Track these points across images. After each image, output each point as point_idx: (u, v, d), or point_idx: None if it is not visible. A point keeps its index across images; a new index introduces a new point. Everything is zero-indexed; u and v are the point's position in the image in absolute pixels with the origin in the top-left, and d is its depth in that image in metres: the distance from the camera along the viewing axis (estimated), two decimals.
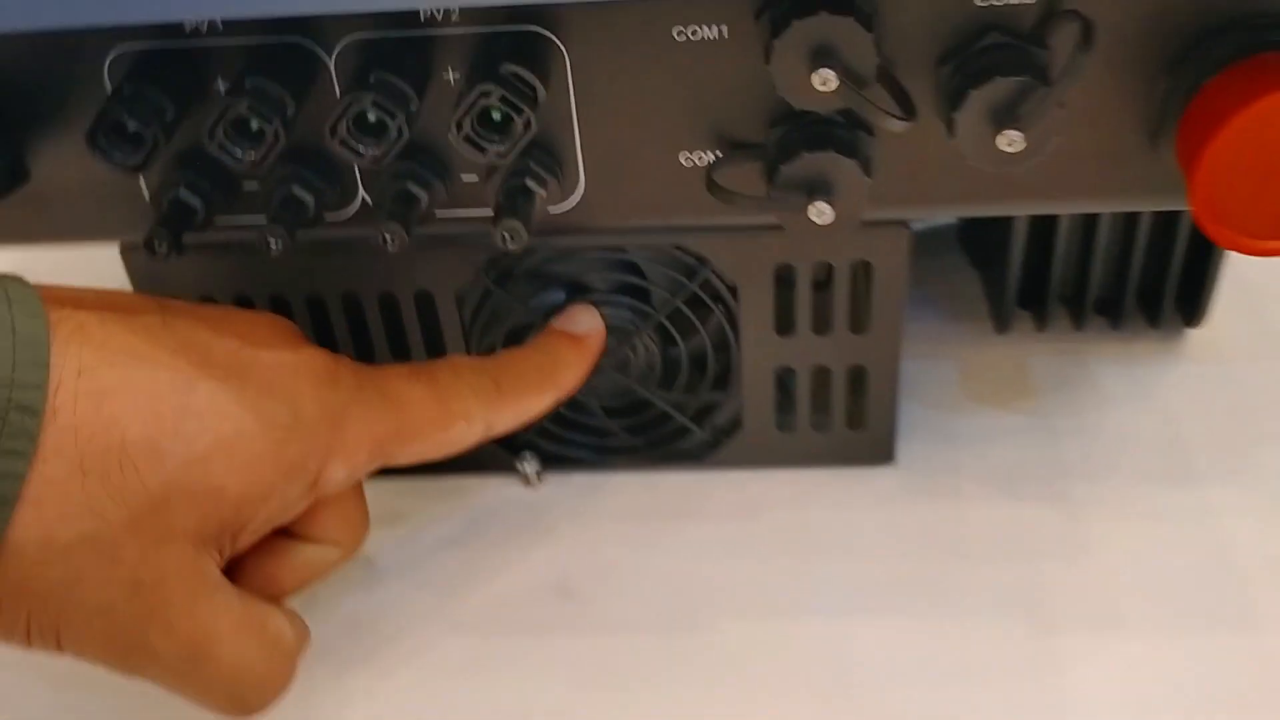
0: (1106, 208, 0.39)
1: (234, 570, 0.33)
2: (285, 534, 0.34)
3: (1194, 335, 0.46)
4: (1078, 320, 0.46)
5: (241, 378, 0.31)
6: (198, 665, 0.31)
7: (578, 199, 0.35)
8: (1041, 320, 0.46)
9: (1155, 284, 0.45)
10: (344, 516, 0.35)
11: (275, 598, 0.34)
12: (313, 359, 0.33)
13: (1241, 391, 0.44)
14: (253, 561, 0.34)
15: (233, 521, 0.31)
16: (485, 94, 0.30)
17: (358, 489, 0.36)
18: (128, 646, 0.30)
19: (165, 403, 0.30)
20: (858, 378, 0.40)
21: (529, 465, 0.42)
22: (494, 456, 0.42)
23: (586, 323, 0.38)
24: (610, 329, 0.39)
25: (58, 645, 0.30)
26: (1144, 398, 0.44)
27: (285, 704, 0.33)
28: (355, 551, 0.36)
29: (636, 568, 0.39)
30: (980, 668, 0.35)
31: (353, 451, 0.33)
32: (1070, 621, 0.36)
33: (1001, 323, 0.46)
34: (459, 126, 0.31)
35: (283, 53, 0.32)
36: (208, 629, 0.31)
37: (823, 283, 0.39)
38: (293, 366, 0.33)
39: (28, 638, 0.30)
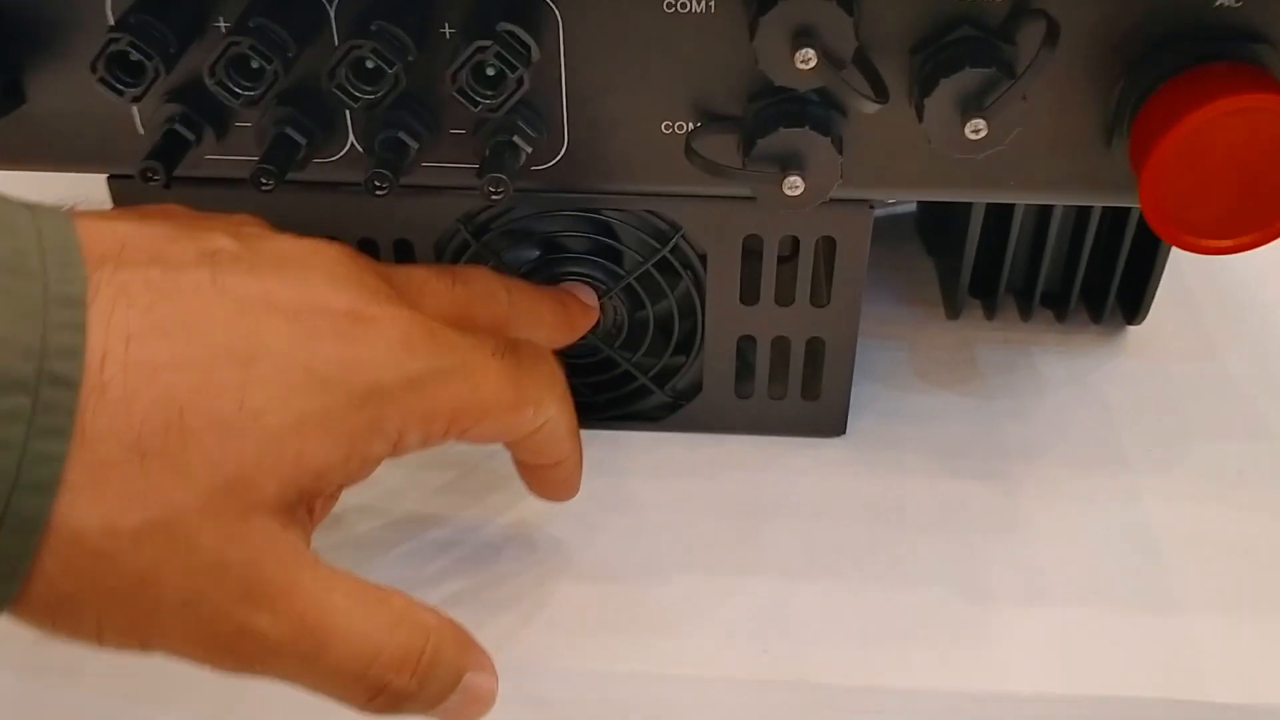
0: (1060, 200, 0.41)
1: None
2: None
3: (1133, 332, 0.48)
4: (1025, 312, 0.48)
5: (309, 339, 0.29)
6: (320, 644, 0.28)
7: (559, 158, 0.36)
8: (991, 310, 0.48)
9: (1100, 282, 0.47)
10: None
11: None
12: (388, 321, 0.31)
13: (1173, 388, 0.46)
14: None
15: (312, 488, 0.29)
16: (482, 49, 0.32)
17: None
18: (232, 637, 0.27)
19: (224, 374, 0.27)
20: (815, 350, 0.42)
21: None
22: None
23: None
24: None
25: (142, 645, 0.28)
26: (1082, 387, 0.46)
27: None
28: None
29: (595, 519, 0.40)
30: (912, 630, 0.37)
31: (429, 419, 0.31)
32: (1000, 592, 0.38)
33: (953, 310, 0.48)
34: (454, 79, 0.32)
35: None
36: (319, 602, 0.28)
37: (787, 257, 0.40)
38: (365, 329, 0.30)
39: (99, 637, 0.27)
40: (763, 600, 0.38)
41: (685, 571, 0.39)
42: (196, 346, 0.27)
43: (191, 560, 0.27)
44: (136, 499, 0.26)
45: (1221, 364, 0.47)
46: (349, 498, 0.35)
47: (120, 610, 0.27)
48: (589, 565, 0.39)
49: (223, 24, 0.34)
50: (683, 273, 0.40)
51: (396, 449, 0.31)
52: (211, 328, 0.28)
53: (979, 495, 0.42)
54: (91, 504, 0.25)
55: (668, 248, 0.40)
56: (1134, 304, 0.47)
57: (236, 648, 0.28)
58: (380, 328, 0.30)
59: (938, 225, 0.51)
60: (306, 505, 0.29)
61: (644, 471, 0.42)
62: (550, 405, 0.34)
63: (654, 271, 0.40)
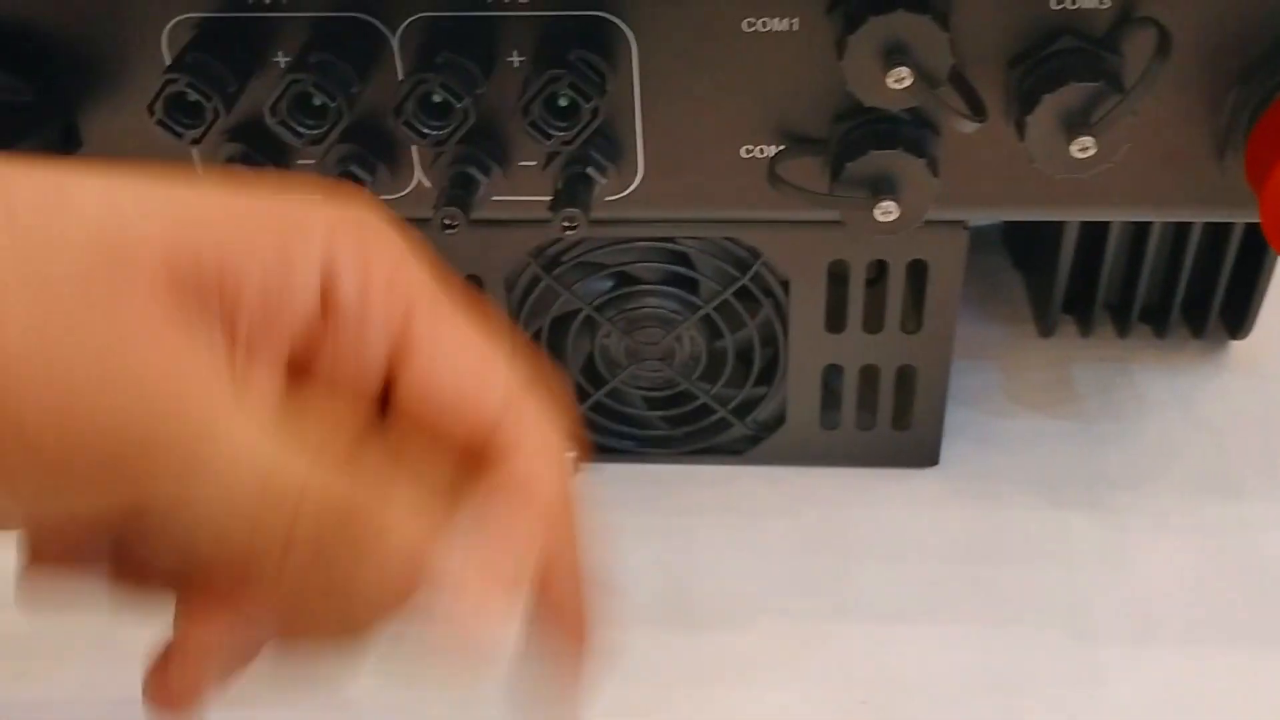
0: (1168, 217, 0.39)
1: None
2: None
3: (1237, 347, 0.45)
4: (1122, 327, 0.46)
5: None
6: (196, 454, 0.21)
7: (634, 187, 0.35)
8: (1086, 326, 0.46)
9: (1202, 294, 0.45)
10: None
11: None
12: None
13: None
14: None
15: (214, 272, 0.22)
16: (555, 79, 0.30)
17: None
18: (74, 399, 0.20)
19: None
20: (906, 378, 0.40)
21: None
22: None
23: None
24: (656, 319, 0.39)
25: None
26: (1186, 408, 0.43)
27: None
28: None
29: (675, 562, 0.39)
30: (1020, 676, 0.35)
31: (373, 255, 0.23)
32: (1110, 632, 0.36)
33: (1045, 327, 0.46)
34: (526, 111, 0.31)
35: (346, 27, 0.32)
36: (207, 403, 0.21)
37: (874, 279, 0.38)
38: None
39: None
40: (857, 646, 0.36)
41: (773, 617, 0.37)
42: None
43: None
44: None
45: None
46: None
47: None
48: (669, 612, 0.37)
49: (282, 59, 0.33)
50: (763, 300, 0.38)
51: (330, 278, 0.23)
52: None
53: (1082, 527, 0.39)
54: None
55: (747, 276, 0.38)
56: (1238, 318, 0.45)
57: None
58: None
59: (1027, 237, 0.48)
60: (216, 301, 0.22)
61: (724, 508, 0.40)
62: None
63: (733, 300, 0.38)
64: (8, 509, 0.22)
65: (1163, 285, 0.45)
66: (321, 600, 0.23)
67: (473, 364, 0.25)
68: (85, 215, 0.21)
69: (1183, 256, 0.43)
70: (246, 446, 0.22)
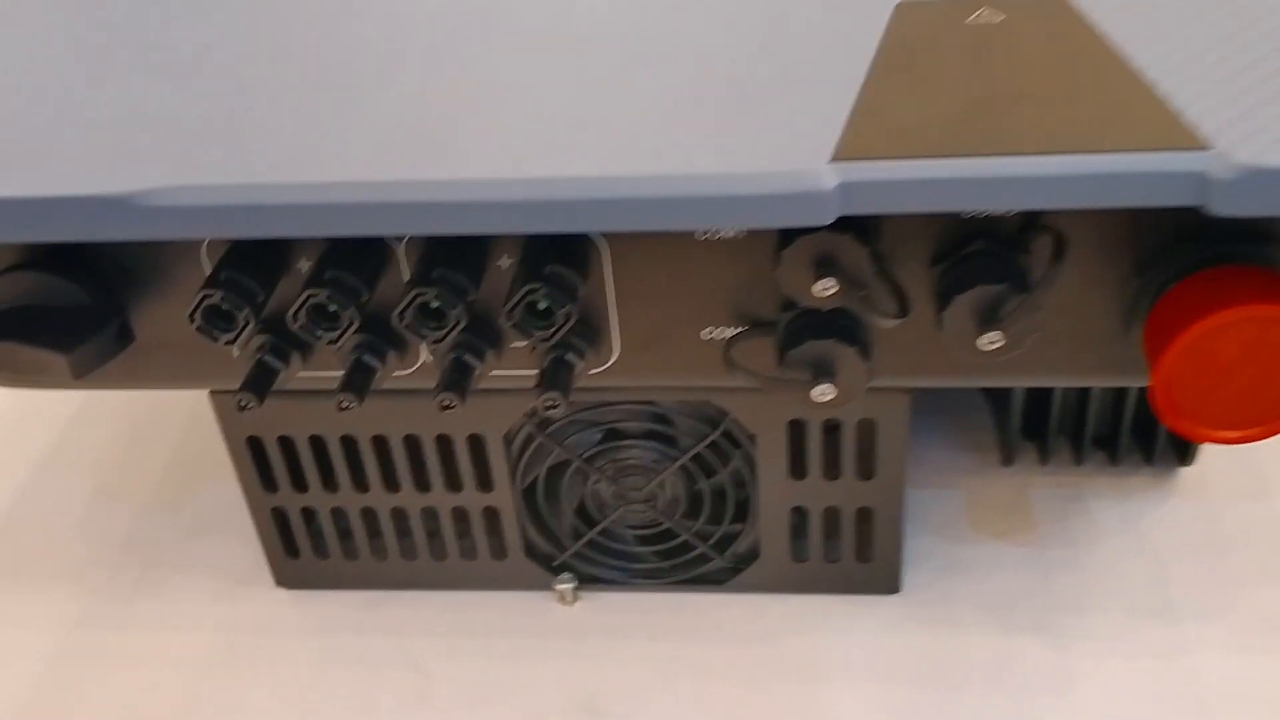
0: (1085, 383, 0.43)
1: None
2: None
3: (1186, 473, 0.49)
4: (1078, 454, 0.50)
5: None
6: None
7: (612, 363, 0.39)
8: (1044, 453, 0.50)
9: (1150, 422, 0.49)
10: None
11: None
12: None
13: (1225, 530, 0.47)
14: None
15: None
16: (532, 291, 0.35)
17: None
18: None
19: None
20: (865, 517, 0.44)
21: (565, 584, 0.46)
22: (532, 575, 0.46)
23: None
24: (640, 467, 0.44)
25: None
26: (1134, 534, 0.47)
27: None
28: None
29: (661, 687, 0.43)
30: None
31: None
32: None
33: (1006, 455, 0.50)
34: (509, 315, 0.35)
35: (357, 241, 0.37)
36: None
37: (834, 425, 0.43)
38: None
39: None
40: None
41: None
42: None
43: None
44: None
45: (1275, 503, 0.48)
46: None
47: None
48: None
49: (305, 264, 0.38)
50: (733, 452, 0.43)
51: None
52: None
53: (1031, 652, 0.43)
54: None
55: (717, 432, 0.42)
56: (1185, 444, 0.49)
57: None
58: None
59: None
60: None
61: (708, 635, 0.45)
62: None
63: (706, 452, 0.43)
64: None
65: (1112, 413, 0.49)
66: None
67: None
68: None
69: (1127, 386, 0.47)
70: None
